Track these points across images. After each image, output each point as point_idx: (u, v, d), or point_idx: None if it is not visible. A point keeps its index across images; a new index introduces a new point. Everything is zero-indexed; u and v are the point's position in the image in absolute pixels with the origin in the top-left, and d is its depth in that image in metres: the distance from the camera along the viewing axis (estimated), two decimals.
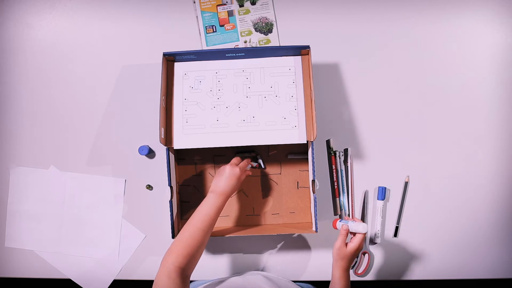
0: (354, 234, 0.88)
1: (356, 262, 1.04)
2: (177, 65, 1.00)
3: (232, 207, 1.04)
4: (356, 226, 0.87)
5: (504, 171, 1.05)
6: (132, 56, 1.08)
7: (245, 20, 1.08)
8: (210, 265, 1.05)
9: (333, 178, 1.05)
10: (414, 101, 1.06)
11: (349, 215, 1.04)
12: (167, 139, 0.97)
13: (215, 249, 1.05)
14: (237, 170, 0.91)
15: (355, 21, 1.08)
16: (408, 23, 1.08)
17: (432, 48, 1.07)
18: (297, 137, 0.96)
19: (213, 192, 0.88)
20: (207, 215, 0.85)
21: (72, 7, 1.09)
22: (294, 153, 1.04)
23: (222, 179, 0.89)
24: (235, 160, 0.95)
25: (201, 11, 1.08)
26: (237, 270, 1.05)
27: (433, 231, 1.05)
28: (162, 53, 0.96)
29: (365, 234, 0.87)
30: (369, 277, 1.05)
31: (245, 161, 0.96)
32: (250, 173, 0.98)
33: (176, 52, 0.97)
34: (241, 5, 1.08)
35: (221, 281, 0.87)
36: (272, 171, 1.05)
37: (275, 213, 1.04)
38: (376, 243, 1.04)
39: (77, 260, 1.05)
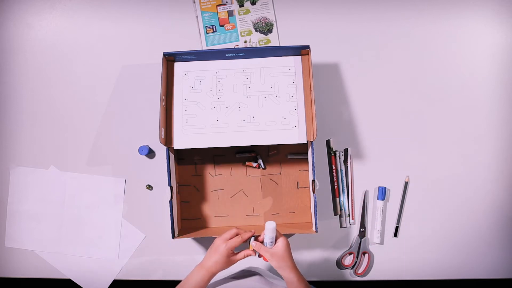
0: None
1: (356, 262, 1.04)
2: (177, 65, 1.00)
3: (232, 207, 1.04)
4: (265, 233, 0.80)
5: (504, 171, 1.05)
6: (132, 56, 1.08)
7: (245, 20, 1.08)
8: None
9: (333, 178, 1.05)
10: (414, 101, 1.06)
11: (348, 215, 1.04)
12: (167, 139, 0.97)
13: None
14: (226, 249, 0.82)
15: (355, 21, 1.08)
16: (408, 23, 1.08)
17: (432, 48, 1.07)
18: (297, 137, 0.96)
19: (200, 266, 0.83)
20: None
21: (72, 7, 1.09)
22: (294, 153, 1.04)
23: (212, 256, 0.82)
24: (233, 241, 0.83)
25: (201, 11, 1.08)
26: (237, 270, 1.04)
27: (433, 231, 1.05)
28: (162, 53, 0.96)
29: (275, 226, 0.79)
30: (369, 277, 1.05)
31: (239, 239, 0.83)
32: (250, 255, 0.84)
33: (176, 52, 0.97)
34: (241, 5, 1.08)
35: (216, 284, 0.87)
36: (272, 171, 1.05)
37: (275, 213, 1.04)
38: (376, 243, 1.04)
39: (77, 260, 1.05)
